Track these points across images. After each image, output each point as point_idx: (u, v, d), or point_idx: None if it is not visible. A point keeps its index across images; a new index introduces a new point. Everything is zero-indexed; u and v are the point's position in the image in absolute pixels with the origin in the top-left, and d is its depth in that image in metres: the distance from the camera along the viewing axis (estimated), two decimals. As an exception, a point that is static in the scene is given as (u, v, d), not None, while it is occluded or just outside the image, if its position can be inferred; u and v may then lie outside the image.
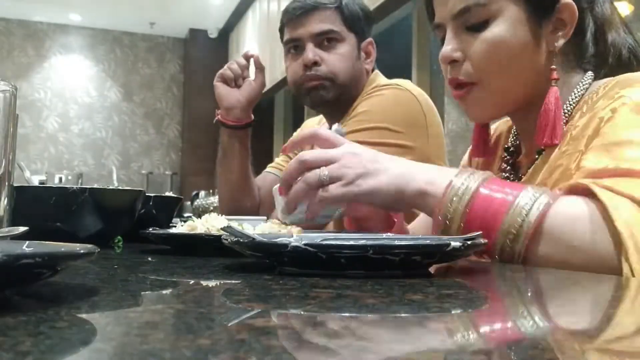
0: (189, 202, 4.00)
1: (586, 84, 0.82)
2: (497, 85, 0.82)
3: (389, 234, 0.72)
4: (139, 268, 0.61)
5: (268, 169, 1.61)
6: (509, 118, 0.95)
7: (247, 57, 1.47)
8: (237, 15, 6.49)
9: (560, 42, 0.81)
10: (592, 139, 0.73)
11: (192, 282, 0.51)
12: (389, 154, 0.76)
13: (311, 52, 1.37)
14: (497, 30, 0.80)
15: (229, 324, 0.32)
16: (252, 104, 1.46)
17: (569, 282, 0.53)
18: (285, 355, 0.24)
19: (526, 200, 0.62)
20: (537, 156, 0.83)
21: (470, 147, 0.98)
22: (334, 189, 0.70)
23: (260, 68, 1.47)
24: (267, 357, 0.24)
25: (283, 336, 0.29)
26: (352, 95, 1.40)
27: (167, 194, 1.41)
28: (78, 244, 0.42)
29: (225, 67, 1.46)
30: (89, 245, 0.41)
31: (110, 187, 0.92)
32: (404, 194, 0.70)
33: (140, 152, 7.28)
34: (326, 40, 1.38)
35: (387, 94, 1.35)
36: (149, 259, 0.69)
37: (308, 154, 0.74)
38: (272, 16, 5.24)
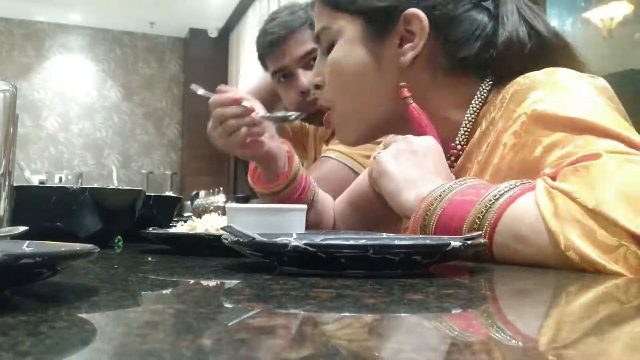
0: (189, 202, 4.00)
1: (484, 93, 0.79)
2: (346, 108, 0.82)
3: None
4: (139, 268, 0.61)
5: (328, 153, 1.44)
6: None
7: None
8: (237, 15, 6.48)
9: (410, 55, 0.78)
10: (497, 168, 0.72)
11: (192, 282, 0.51)
12: None
13: (304, 77, 1.34)
14: (335, 52, 0.81)
15: (229, 324, 0.32)
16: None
17: (568, 282, 0.53)
18: (285, 355, 0.24)
19: (495, 192, 0.61)
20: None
21: None
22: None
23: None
24: (267, 357, 0.24)
25: (283, 336, 0.29)
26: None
27: (167, 194, 1.41)
28: (78, 244, 0.42)
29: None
30: (89, 245, 0.41)
31: (110, 187, 0.92)
32: (401, 196, 0.71)
33: (140, 152, 7.28)
34: (312, 60, 1.33)
35: None
36: (149, 259, 0.69)
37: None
38: (272, 16, 5.24)
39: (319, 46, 0.86)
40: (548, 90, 0.70)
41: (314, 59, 1.35)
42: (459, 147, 0.79)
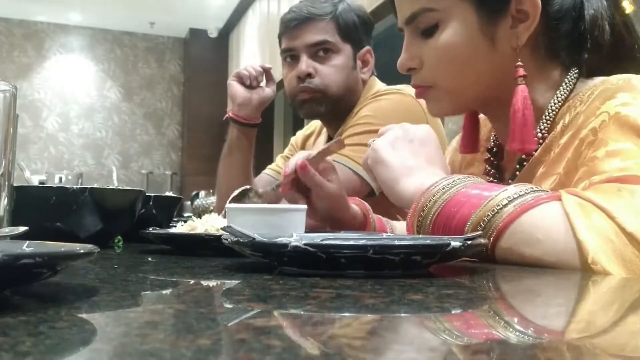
0: (189, 202, 4.00)
1: (570, 84, 0.78)
2: (452, 87, 0.80)
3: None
4: (139, 268, 0.61)
5: (267, 170, 1.61)
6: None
7: (264, 68, 1.47)
8: (237, 15, 6.49)
9: (523, 36, 0.76)
10: (571, 162, 0.70)
11: (192, 282, 0.51)
12: None
13: (304, 63, 1.37)
14: (446, 35, 0.77)
15: (229, 324, 0.32)
16: (262, 106, 1.46)
17: (568, 282, 0.53)
18: (285, 355, 0.24)
19: (503, 196, 0.61)
20: (517, 165, 0.80)
21: (458, 143, 0.94)
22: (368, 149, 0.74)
23: (272, 80, 1.47)
24: (267, 357, 0.24)
25: (283, 336, 0.29)
26: (347, 105, 1.40)
27: (167, 194, 1.41)
28: (78, 244, 0.42)
29: (242, 68, 1.47)
30: (89, 245, 0.41)
31: (110, 187, 0.92)
32: (397, 184, 0.71)
33: (140, 152, 7.28)
34: (321, 51, 1.37)
35: (389, 99, 1.35)
36: (149, 259, 0.69)
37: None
38: (272, 16, 5.24)
39: (410, 28, 0.81)
40: (636, 94, 0.68)
41: (323, 50, 1.36)
42: (539, 135, 0.77)
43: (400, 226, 1.00)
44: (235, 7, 6.34)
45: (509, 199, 0.61)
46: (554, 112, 0.77)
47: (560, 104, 0.77)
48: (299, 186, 0.87)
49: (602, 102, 0.70)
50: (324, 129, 1.55)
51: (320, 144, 1.54)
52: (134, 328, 0.30)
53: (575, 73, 0.78)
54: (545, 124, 0.77)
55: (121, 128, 7.22)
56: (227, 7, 6.39)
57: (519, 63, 0.76)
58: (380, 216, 0.99)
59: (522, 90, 0.75)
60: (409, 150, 0.73)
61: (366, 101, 1.38)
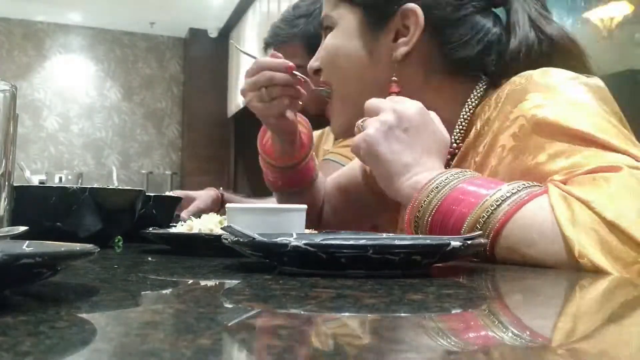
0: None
1: (479, 93, 0.79)
2: (344, 93, 0.83)
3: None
4: (139, 268, 0.61)
5: (330, 156, 1.48)
6: None
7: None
8: (237, 15, 6.48)
9: (402, 49, 0.78)
10: (495, 169, 0.71)
11: (192, 282, 0.51)
12: None
13: None
14: (331, 39, 0.83)
15: (229, 324, 0.32)
16: None
17: (568, 282, 0.53)
18: (285, 355, 0.24)
19: (498, 195, 0.61)
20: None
21: None
22: (358, 136, 0.71)
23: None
24: (268, 357, 0.24)
25: (283, 336, 0.29)
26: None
27: (167, 194, 1.41)
28: (78, 244, 0.42)
29: None
30: (89, 245, 0.41)
31: (110, 187, 0.92)
32: (393, 182, 0.70)
33: (140, 152, 7.28)
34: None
35: None
36: (149, 259, 0.69)
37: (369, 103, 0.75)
38: (272, 16, 5.24)
39: (323, 32, 0.87)
40: (546, 94, 0.69)
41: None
42: (454, 145, 0.79)
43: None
44: (235, 7, 6.33)
45: (502, 198, 0.61)
46: (465, 122, 0.79)
47: (470, 113, 0.79)
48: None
49: (514, 105, 0.71)
50: (327, 134, 1.56)
51: (330, 141, 1.54)
52: (134, 328, 0.30)
53: (484, 83, 0.81)
54: (458, 135, 0.79)
55: (121, 128, 7.22)
56: (227, 7, 6.38)
57: (394, 78, 0.80)
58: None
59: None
60: (405, 142, 0.70)
61: None
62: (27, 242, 0.43)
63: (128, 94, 7.27)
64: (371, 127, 0.71)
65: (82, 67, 7.14)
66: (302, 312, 0.35)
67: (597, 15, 2.99)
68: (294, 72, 0.91)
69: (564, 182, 0.62)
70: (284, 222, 0.69)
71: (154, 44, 7.39)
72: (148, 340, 0.26)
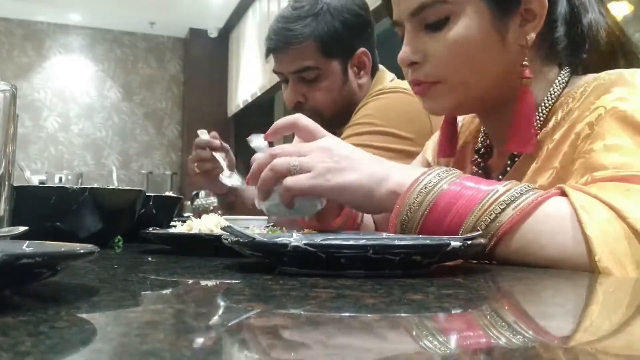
0: (189, 202, 4.00)
1: (563, 82, 0.78)
2: (459, 82, 0.78)
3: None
4: (139, 268, 0.61)
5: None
6: (474, 116, 0.92)
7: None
8: (237, 15, 6.48)
9: (532, 35, 0.76)
10: (568, 155, 0.70)
11: (192, 282, 0.51)
12: (392, 160, 0.72)
13: (292, 92, 1.32)
14: (458, 29, 0.75)
15: (229, 324, 0.32)
16: None
17: (568, 282, 0.53)
18: (285, 355, 0.24)
19: (501, 199, 0.60)
20: (509, 161, 0.79)
21: (436, 147, 0.92)
22: (303, 179, 0.66)
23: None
24: (267, 357, 0.24)
25: (283, 336, 0.29)
26: (348, 113, 1.33)
27: (167, 194, 1.41)
28: (78, 244, 0.42)
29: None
30: (89, 245, 0.41)
31: (110, 187, 0.92)
32: (374, 195, 0.66)
33: (140, 152, 7.28)
34: (306, 75, 1.31)
35: (393, 98, 1.29)
36: (149, 259, 0.69)
37: (280, 148, 0.71)
38: (272, 16, 5.23)
39: (414, 22, 0.78)
40: (633, 90, 0.68)
41: (308, 74, 1.28)
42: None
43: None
44: (235, 7, 6.34)
45: (506, 202, 0.60)
46: (547, 109, 0.77)
47: (553, 101, 0.77)
48: None
49: (597, 97, 0.70)
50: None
51: None
52: (134, 328, 0.30)
53: (568, 71, 0.79)
54: (538, 121, 0.77)
55: (121, 128, 7.22)
56: (227, 7, 6.39)
57: (526, 63, 0.76)
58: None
59: (528, 92, 0.75)
60: (355, 161, 0.67)
61: (370, 97, 1.31)
62: (27, 242, 0.43)
63: (128, 94, 7.27)
64: (315, 164, 0.67)
65: (82, 67, 7.14)
66: (302, 312, 0.35)
67: (597, 15, 2.99)
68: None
69: (593, 185, 0.61)
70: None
71: (154, 44, 7.39)
72: (148, 340, 0.26)
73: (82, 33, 7.12)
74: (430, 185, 0.63)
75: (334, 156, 0.68)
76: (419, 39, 0.78)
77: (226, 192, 1.49)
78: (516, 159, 0.78)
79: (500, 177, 0.79)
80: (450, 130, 0.88)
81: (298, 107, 1.33)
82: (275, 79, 5.05)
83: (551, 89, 0.78)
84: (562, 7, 0.79)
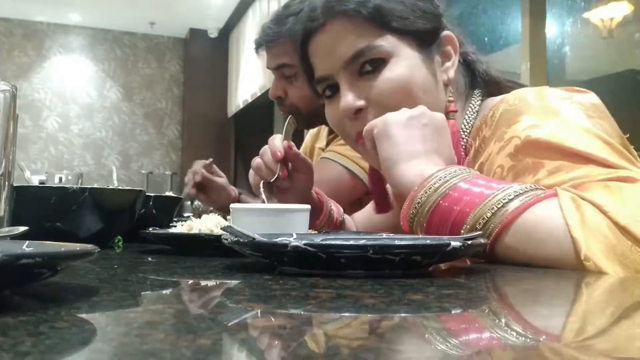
0: (189, 202, 3.99)
1: (476, 105, 0.83)
2: None
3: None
4: (139, 268, 0.61)
5: (326, 154, 1.43)
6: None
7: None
8: (237, 15, 6.48)
9: (451, 72, 0.82)
10: None
11: (192, 282, 0.51)
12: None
13: (273, 87, 1.38)
14: (398, 69, 0.78)
15: (229, 324, 0.32)
16: None
17: (568, 282, 0.53)
18: (285, 355, 0.24)
19: (505, 194, 0.61)
20: None
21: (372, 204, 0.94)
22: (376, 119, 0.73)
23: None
24: (267, 357, 0.24)
25: (283, 336, 0.29)
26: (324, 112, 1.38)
27: (167, 194, 1.42)
28: (78, 244, 0.42)
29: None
30: (89, 245, 0.41)
31: (110, 187, 0.92)
32: (393, 168, 0.70)
33: (140, 152, 7.28)
34: (285, 72, 1.36)
35: None
36: (149, 259, 0.69)
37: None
38: (272, 16, 5.24)
39: (347, 72, 0.80)
40: (539, 116, 0.71)
41: (286, 71, 1.33)
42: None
43: (349, 221, 1.05)
44: (235, 7, 6.33)
45: (510, 197, 0.61)
46: (467, 136, 0.82)
47: (470, 127, 0.82)
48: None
49: (508, 126, 0.73)
50: (323, 128, 1.55)
51: (323, 139, 1.54)
52: (134, 328, 0.30)
53: (479, 94, 0.85)
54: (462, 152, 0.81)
55: (121, 128, 7.22)
56: (227, 7, 6.38)
57: (451, 98, 0.82)
58: (336, 204, 1.02)
59: (452, 125, 0.79)
60: (421, 134, 0.71)
61: None
62: (27, 242, 0.43)
63: (128, 94, 7.27)
64: (392, 113, 0.72)
65: (82, 67, 7.14)
66: (302, 312, 0.35)
67: (597, 15, 2.99)
68: None
69: (576, 188, 0.62)
70: (287, 222, 0.69)
71: (154, 44, 7.38)
72: (148, 340, 0.26)
73: (82, 33, 7.12)
74: (441, 181, 0.65)
75: (423, 119, 0.72)
76: (357, 86, 0.80)
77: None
78: None
79: None
80: (379, 184, 0.89)
81: (279, 102, 1.39)
82: (275, 79, 5.06)
83: (466, 116, 0.83)
84: (472, 46, 0.88)
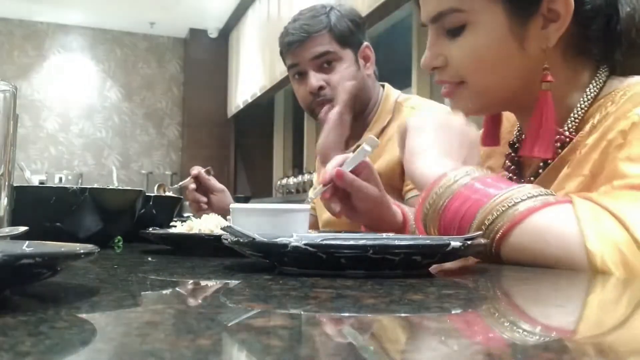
0: (188, 202, 3.99)
1: (600, 82, 0.75)
2: (482, 86, 0.78)
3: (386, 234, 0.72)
4: (139, 268, 0.61)
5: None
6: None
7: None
8: (237, 15, 6.48)
9: (554, 37, 0.74)
10: (598, 163, 0.68)
11: (192, 282, 0.51)
12: None
13: (314, 78, 1.41)
14: (474, 37, 0.76)
15: (229, 324, 0.32)
16: None
17: (568, 282, 0.53)
18: (285, 355, 0.24)
19: (513, 195, 0.61)
20: (541, 163, 0.78)
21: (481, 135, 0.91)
22: None
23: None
24: (267, 357, 0.24)
25: (283, 336, 0.29)
26: (360, 104, 1.43)
27: (167, 194, 1.42)
28: (78, 244, 0.42)
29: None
30: (89, 245, 0.41)
31: (110, 187, 0.92)
32: (414, 159, 0.72)
33: (140, 152, 7.27)
34: (325, 62, 1.41)
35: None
36: (149, 259, 0.69)
37: None
38: (272, 16, 5.24)
39: (435, 26, 0.79)
40: None
41: (327, 61, 1.40)
42: (566, 133, 0.75)
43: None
44: (235, 7, 6.33)
45: (518, 199, 0.60)
46: (582, 111, 0.75)
47: (589, 102, 0.75)
48: (337, 191, 0.86)
49: (635, 105, 0.68)
50: None
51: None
52: (134, 328, 0.30)
53: (606, 71, 0.76)
54: (573, 123, 0.75)
55: (121, 128, 7.22)
56: (227, 7, 6.38)
57: (546, 66, 0.74)
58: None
59: (546, 97, 0.74)
60: (451, 138, 0.73)
61: (396, 114, 1.41)
62: (27, 242, 0.43)
63: (128, 94, 7.27)
64: (432, 113, 0.75)
65: (82, 67, 7.13)
66: (302, 312, 0.35)
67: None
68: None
69: (608, 194, 0.61)
70: (287, 222, 0.69)
71: (154, 44, 7.38)
72: (148, 340, 0.26)
73: (82, 33, 7.11)
74: (450, 181, 0.65)
75: (455, 130, 0.75)
76: (440, 43, 0.79)
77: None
78: (549, 161, 0.76)
79: (531, 178, 0.78)
80: (493, 119, 0.88)
81: (319, 91, 1.42)
82: (275, 79, 5.06)
83: (587, 90, 0.75)
84: (596, 2, 0.75)
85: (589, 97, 0.75)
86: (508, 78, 0.77)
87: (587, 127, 0.72)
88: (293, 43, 1.42)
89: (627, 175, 0.62)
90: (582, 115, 0.75)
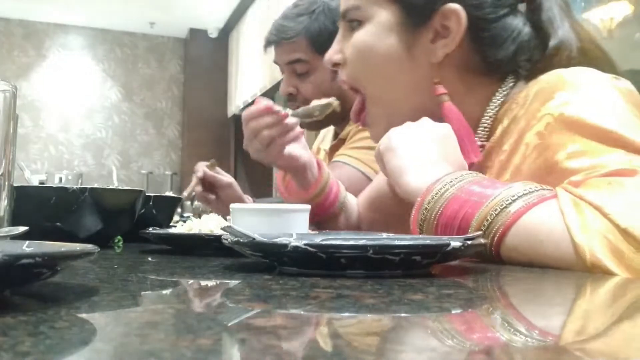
0: (189, 203, 3.99)
1: (506, 90, 0.78)
2: (375, 92, 0.79)
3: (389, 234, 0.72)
4: (139, 268, 0.61)
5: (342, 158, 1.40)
6: None
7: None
8: (237, 15, 6.48)
9: (440, 53, 0.76)
10: (519, 169, 0.70)
11: (192, 282, 0.51)
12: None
13: (284, 84, 1.39)
14: (362, 34, 0.78)
15: (229, 324, 0.32)
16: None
17: (568, 282, 0.53)
18: (285, 355, 0.24)
19: (508, 194, 0.61)
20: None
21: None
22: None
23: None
24: (267, 357, 0.24)
25: (283, 336, 0.29)
26: (344, 111, 1.33)
27: (167, 194, 1.42)
28: (78, 244, 0.42)
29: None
30: (89, 245, 0.41)
31: (110, 187, 0.92)
32: (399, 179, 0.70)
33: (140, 152, 7.28)
34: (298, 68, 1.37)
35: None
36: (149, 259, 0.69)
37: None
38: (273, 16, 5.23)
39: (343, 23, 0.82)
40: (575, 93, 0.68)
41: (300, 68, 1.35)
42: (478, 143, 0.77)
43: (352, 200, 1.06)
44: (235, 7, 6.34)
45: (513, 198, 0.60)
46: (491, 119, 0.77)
47: (496, 110, 0.77)
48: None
49: (542, 104, 0.70)
50: (329, 129, 1.55)
51: (328, 140, 1.54)
52: (134, 328, 0.30)
53: (512, 80, 0.79)
54: (483, 132, 0.77)
55: (121, 128, 7.22)
56: (227, 7, 6.38)
57: (436, 80, 0.77)
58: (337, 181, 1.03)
59: (448, 107, 0.76)
60: (424, 144, 0.70)
61: None
62: (27, 242, 0.43)
63: (128, 94, 7.27)
64: (396, 128, 0.72)
65: (82, 67, 7.13)
66: (302, 312, 0.35)
67: (597, 15, 2.99)
68: (273, 110, 0.90)
69: (579, 184, 0.61)
70: (287, 222, 0.69)
71: (154, 44, 7.38)
72: (148, 340, 0.26)
73: (82, 33, 7.12)
74: (447, 186, 0.64)
75: (426, 129, 0.72)
76: (344, 40, 0.82)
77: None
78: (470, 167, 0.77)
79: None
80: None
81: (291, 98, 1.40)
82: (275, 79, 5.06)
83: (494, 98, 0.78)
84: (508, 30, 0.77)
85: (496, 105, 0.77)
86: (403, 89, 0.78)
87: (498, 132, 0.75)
88: (270, 43, 1.40)
89: (577, 170, 0.63)
90: (490, 123, 0.77)
